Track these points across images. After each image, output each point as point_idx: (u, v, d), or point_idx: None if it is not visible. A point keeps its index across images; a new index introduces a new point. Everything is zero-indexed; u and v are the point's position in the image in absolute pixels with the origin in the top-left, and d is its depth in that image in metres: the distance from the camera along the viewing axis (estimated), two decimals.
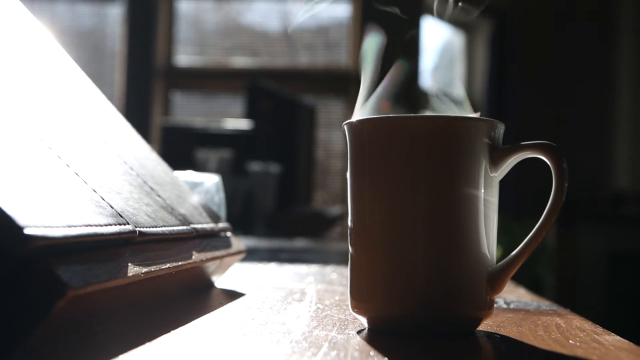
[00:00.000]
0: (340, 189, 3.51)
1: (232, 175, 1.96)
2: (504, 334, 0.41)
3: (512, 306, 0.53)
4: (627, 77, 3.62)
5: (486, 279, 0.41)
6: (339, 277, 0.72)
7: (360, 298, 0.42)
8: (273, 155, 2.26)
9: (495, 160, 0.41)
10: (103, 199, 0.40)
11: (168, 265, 0.44)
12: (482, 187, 0.40)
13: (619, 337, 0.40)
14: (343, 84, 3.53)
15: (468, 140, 0.40)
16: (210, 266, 0.57)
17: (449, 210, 0.40)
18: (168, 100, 3.67)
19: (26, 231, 0.29)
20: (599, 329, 0.43)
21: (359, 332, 0.40)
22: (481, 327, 0.43)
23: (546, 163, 0.41)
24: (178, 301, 0.51)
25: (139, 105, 3.51)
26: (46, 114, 0.45)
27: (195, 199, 0.63)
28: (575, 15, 3.66)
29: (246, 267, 0.79)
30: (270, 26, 3.70)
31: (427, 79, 3.72)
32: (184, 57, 3.69)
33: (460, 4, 0.45)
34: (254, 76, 3.04)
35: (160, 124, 3.03)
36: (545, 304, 0.55)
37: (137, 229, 0.41)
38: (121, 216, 0.40)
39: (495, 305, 0.44)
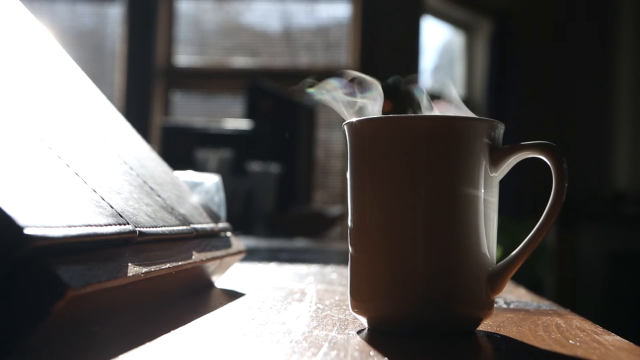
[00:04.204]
0: (340, 189, 3.51)
1: (232, 175, 1.96)
2: (504, 334, 0.41)
3: (512, 306, 0.53)
4: (627, 77, 3.62)
5: (486, 279, 0.41)
6: (339, 277, 0.72)
7: (360, 298, 0.42)
8: (273, 155, 2.26)
9: (495, 160, 0.41)
10: (103, 199, 0.40)
11: (168, 265, 0.44)
12: (482, 187, 0.40)
13: (619, 337, 0.40)
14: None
15: (468, 140, 0.40)
16: (210, 266, 0.57)
17: (449, 210, 0.40)
18: (168, 100, 3.67)
19: (26, 231, 0.29)
20: (599, 329, 0.43)
21: (359, 332, 0.40)
22: (481, 327, 0.43)
23: (546, 163, 0.41)
24: (178, 301, 0.51)
25: (139, 105, 3.51)
26: (46, 114, 0.45)
27: (195, 199, 0.63)
28: (575, 15, 3.66)
29: (246, 267, 0.79)
30: (270, 26, 3.70)
31: (427, 79, 3.72)
32: (184, 57, 3.69)
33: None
34: (254, 76, 3.04)
35: (160, 124, 3.03)
36: (545, 304, 0.55)
37: (137, 229, 0.41)
38: (121, 216, 0.40)
39: (495, 305, 0.44)
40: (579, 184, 3.38)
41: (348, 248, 0.43)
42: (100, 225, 0.36)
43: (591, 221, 3.26)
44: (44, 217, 0.31)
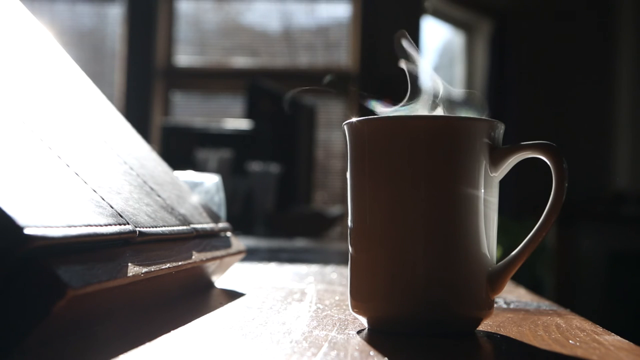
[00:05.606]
0: (340, 189, 3.51)
1: (232, 175, 1.95)
2: (504, 334, 0.41)
3: (512, 306, 0.53)
4: (627, 76, 3.62)
5: (486, 279, 0.41)
6: (339, 277, 0.72)
7: (360, 298, 0.42)
8: (273, 155, 2.26)
9: (495, 160, 0.41)
10: (103, 199, 0.40)
11: (168, 265, 0.44)
12: (482, 187, 0.40)
13: (619, 337, 0.40)
14: (343, 84, 3.53)
15: (468, 140, 0.40)
16: (210, 266, 0.57)
17: (449, 210, 0.40)
18: (168, 100, 3.66)
19: (26, 231, 0.29)
20: (599, 329, 0.43)
21: (359, 332, 0.40)
22: (481, 327, 0.43)
23: (546, 163, 0.41)
24: (178, 301, 0.51)
25: (139, 105, 3.51)
26: (46, 114, 0.45)
27: (195, 199, 0.63)
28: (575, 15, 3.66)
29: (246, 267, 0.79)
30: (270, 26, 3.70)
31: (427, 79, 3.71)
32: (184, 57, 3.68)
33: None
34: (254, 76, 3.03)
35: (160, 124, 3.03)
36: (545, 304, 0.55)
37: (137, 229, 0.41)
38: (121, 216, 0.40)
39: (495, 305, 0.44)
40: (579, 184, 3.38)
41: (348, 248, 0.43)
42: (100, 225, 0.36)
43: (591, 221, 3.26)
44: (44, 217, 0.31)
